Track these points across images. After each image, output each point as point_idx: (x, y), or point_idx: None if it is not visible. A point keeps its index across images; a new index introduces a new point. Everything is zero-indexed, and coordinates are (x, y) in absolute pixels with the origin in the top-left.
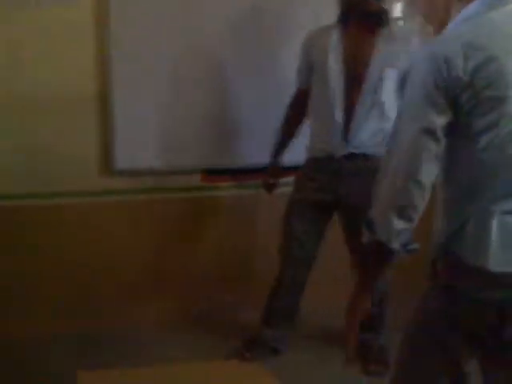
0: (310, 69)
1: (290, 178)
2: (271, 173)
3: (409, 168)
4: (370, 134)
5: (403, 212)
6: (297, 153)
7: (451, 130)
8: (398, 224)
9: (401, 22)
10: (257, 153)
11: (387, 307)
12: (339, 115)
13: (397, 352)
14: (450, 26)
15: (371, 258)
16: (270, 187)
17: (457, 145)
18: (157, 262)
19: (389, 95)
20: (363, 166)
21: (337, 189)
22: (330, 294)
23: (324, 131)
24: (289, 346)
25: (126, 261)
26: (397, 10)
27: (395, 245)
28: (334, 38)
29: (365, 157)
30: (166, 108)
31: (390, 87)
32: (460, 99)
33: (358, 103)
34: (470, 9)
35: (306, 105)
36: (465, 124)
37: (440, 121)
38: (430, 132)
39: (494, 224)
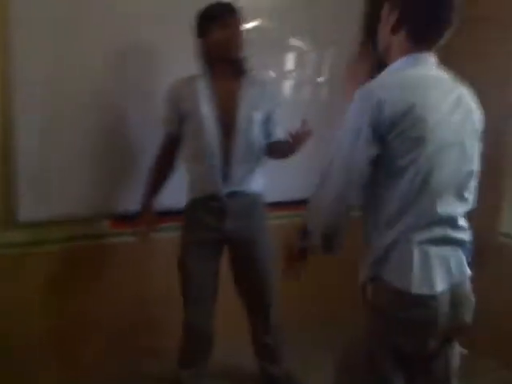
0: (181, 117)
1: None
2: (145, 220)
3: (341, 192)
4: (246, 173)
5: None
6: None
7: (378, 163)
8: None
9: (254, 71)
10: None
11: (283, 338)
12: (218, 158)
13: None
14: (382, 74)
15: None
16: (144, 235)
17: (382, 178)
18: (63, 312)
19: (258, 135)
20: (244, 203)
21: (224, 226)
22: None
23: (205, 174)
24: None
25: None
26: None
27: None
28: (203, 87)
29: (244, 194)
30: (70, 156)
31: (258, 128)
32: (386, 137)
33: (233, 145)
34: (398, 64)
35: (176, 151)
36: (390, 159)
37: (368, 153)
38: (359, 162)
39: (415, 252)
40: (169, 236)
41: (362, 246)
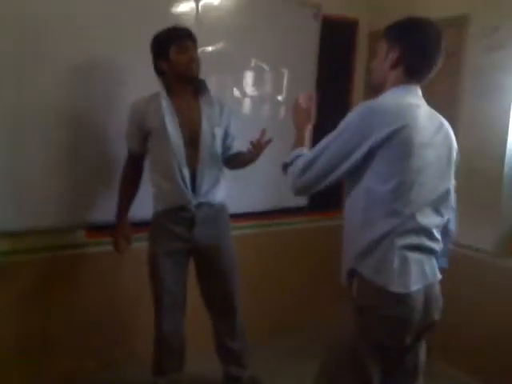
0: (145, 134)
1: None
2: (121, 233)
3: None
4: (212, 184)
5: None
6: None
7: (366, 170)
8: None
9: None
10: (139, 208)
11: (247, 343)
12: (186, 172)
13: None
14: (384, 95)
15: None
16: (119, 246)
17: (370, 184)
18: (38, 323)
19: (219, 149)
20: (210, 212)
21: (192, 235)
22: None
23: (174, 187)
24: None
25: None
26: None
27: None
28: (165, 105)
29: (210, 205)
30: (44, 169)
31: (220, 142)
32: (377, 150)
33: (198, 159)
34: (396, 91)
35: (141, 166)
36: (378, 168)
37: (355, 164)
38: (344, 169)
39: (396, 256)
40: (142, 245)
41: (342, 243)
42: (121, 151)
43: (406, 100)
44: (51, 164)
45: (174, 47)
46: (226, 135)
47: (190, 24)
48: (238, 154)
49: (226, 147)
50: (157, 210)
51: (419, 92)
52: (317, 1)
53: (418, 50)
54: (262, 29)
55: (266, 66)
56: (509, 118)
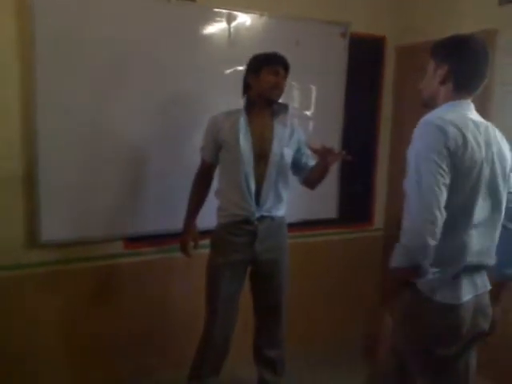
0: (218, 146)
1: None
2: (189, 235)
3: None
4: (275, 201)
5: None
6: (204, 218)
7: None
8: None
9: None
10: (170, 219)
11: (285, 351)
12: (253, 185)
13: None
14: (438, 110)
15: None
16: (188, 250)
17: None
18: (80, 330)
19: (288, 168)
20: (272, 226)
21: (253, 247)
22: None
23: (240, 198)
24: None
25: (50, 330)
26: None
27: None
28: (242, 121)
29: (272, 218)
30: (87, 178)
31: (289, 162)
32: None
33: (265, 175)
34: (447, 106)
35: (211, 175)
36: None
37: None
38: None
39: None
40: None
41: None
42: (157, 172)
43: (461, 114)
44: (98, 179)
45: (267, 68)
46: (300, 155)
47: (221, 44)
48: (312, 169)
49: (302, 166)
50: (220, 222)
51: (472, 105)
52: (345, 19)
53: (467, 66)
54: (292, 49)
55: (295, 83)
56: None
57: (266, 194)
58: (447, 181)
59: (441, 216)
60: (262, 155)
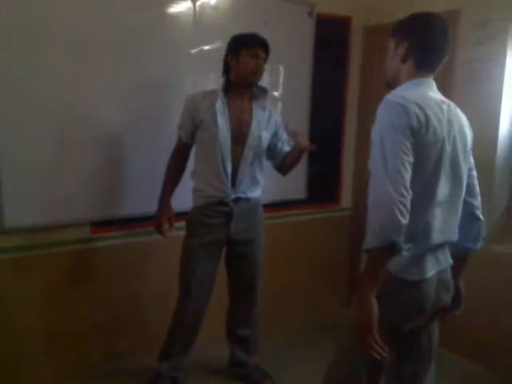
0: (196, 126)
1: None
2: (164, 215)
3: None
4: (251, 182)
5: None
6: (180, 200)
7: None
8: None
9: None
10: (142, 202)
11: (259, 330)
12: (229, 166)
13: None
14: (400, 88)
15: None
16: (163, 230)
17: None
18: (49, 317)
19: (264, 151)
20: (247, 208)
21: (228, 228)
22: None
23: (216, 180)
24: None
25: (19, 315)
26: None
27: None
28: (220, 102)
29: (247, 200)
30: (52, 162)
31: (266, 145)
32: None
33: (242, 157)
34: (408, 85)
35: (187, 154)
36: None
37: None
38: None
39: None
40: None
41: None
42: (129, 151)
43: (423, 93)
44: (64, 163)
45: (246, 50)
46: (277, 139)
47: (187, 24)
48: (286, 154)
49: (278, 151)
50: (196, 203)
51: (433, 83)
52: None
53: (426, 42)
54: (258, 28)
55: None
56: (500, 107)
57: (242, 176)
58: (411, 159)
59: (408, 195)
60: (239, 137)
